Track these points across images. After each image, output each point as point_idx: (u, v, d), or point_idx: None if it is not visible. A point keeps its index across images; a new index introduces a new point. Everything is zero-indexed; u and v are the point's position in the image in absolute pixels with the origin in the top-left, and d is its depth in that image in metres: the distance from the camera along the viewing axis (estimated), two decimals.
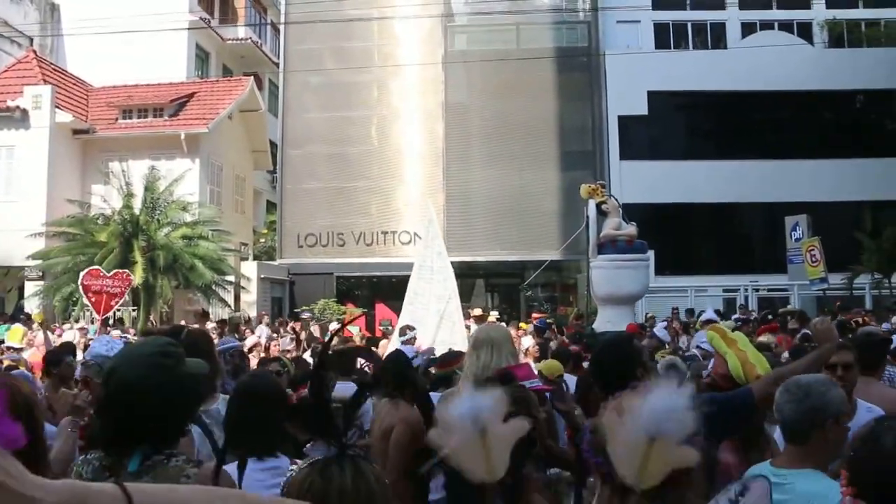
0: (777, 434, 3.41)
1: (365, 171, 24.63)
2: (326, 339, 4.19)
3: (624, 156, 24.55)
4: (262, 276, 23.12)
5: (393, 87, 25.24)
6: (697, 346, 6.88)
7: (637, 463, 1.35)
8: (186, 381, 2.04)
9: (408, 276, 10.85)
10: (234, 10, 31.35)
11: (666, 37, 27.90)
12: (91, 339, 10.08)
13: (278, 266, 24.76)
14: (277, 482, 2.31)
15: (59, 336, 12.43)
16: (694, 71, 24.48)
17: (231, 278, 20.40)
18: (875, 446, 1.59)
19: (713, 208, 24.12)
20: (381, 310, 21.86)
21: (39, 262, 18.38)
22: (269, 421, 2.72)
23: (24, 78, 21.06)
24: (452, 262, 10.62)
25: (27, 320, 14.22)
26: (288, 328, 16.50)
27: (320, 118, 25.11)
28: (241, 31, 30.88)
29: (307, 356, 9.61)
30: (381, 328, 17.31)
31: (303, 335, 14.76)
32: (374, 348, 9.96)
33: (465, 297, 13.48)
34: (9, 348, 10.02)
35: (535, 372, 4.18)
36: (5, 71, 22.00)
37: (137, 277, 16.26)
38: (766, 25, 27.56)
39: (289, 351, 11.45)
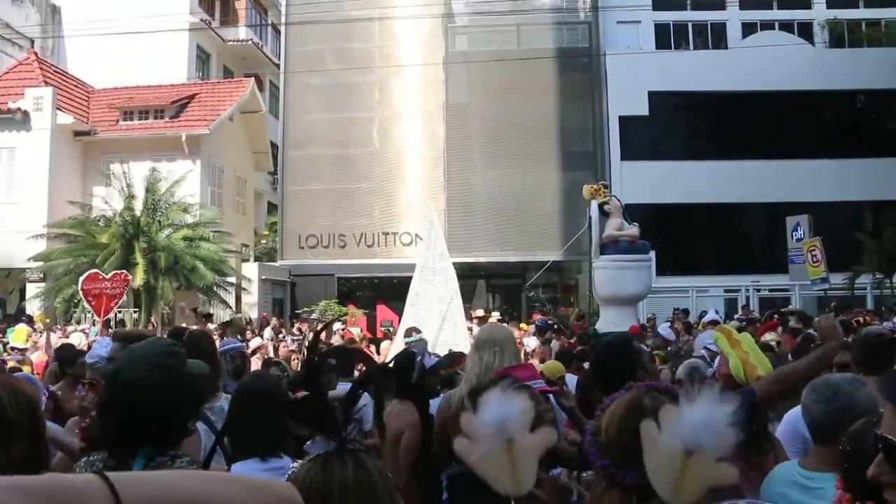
0: (778, 432, 3.42)
1: (366, 172, 24.64)
2: (317, 330, 4.18)
3: (625, 156, 24.55)
4: (263, 277, 23.12)
5: (394, 88, 25.24)
6: (704, 347, 6.89)
7: (673, 477, 1.26)
8: (189, 382, 2.04)
9: (409, 278, 10.85)
10: (235, 12, 31.38)
11: (667, 37, 27.90)
12: (94, 341, 10.08)
13: (279, 267, 24.77)
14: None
15: (65, 337, 12.43)
16: (695, 71, 24.47)
17: (232, 280, 20.40)
18: (866, 441, 1.60)
19: (714, 209, 24.11)
20: (383, 311, 21.87)
21: (41, 263, 18.38)
22: (271, 421, 2.72)
23: (26, 80, 21.07)
24: (454, 263, 10.61)
25: (29, 322, 14.23)
26: (295, 329, 16.50)
27: (321, 119, 25.12)
28: (242, 33, 30.91)
29: None
30: (383, 329, 17.33)
31: (310, 336, 14.71)
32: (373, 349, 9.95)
33: (467, 298, 13.47)
34: (13, 349, 10.04)
35: (539, 373, 4.18)
36: (6, 73, 22.03)
37: (138, 279, 16.27)
38: (767, 25, 27.55)
39: (294, 351, 11.42)
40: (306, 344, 13.04)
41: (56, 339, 11.48)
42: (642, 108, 24.56)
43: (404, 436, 3.85)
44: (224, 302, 19.64)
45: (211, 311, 16.82)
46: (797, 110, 24.60)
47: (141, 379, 1.95)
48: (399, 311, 11.97)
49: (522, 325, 15.32)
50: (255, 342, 11.18)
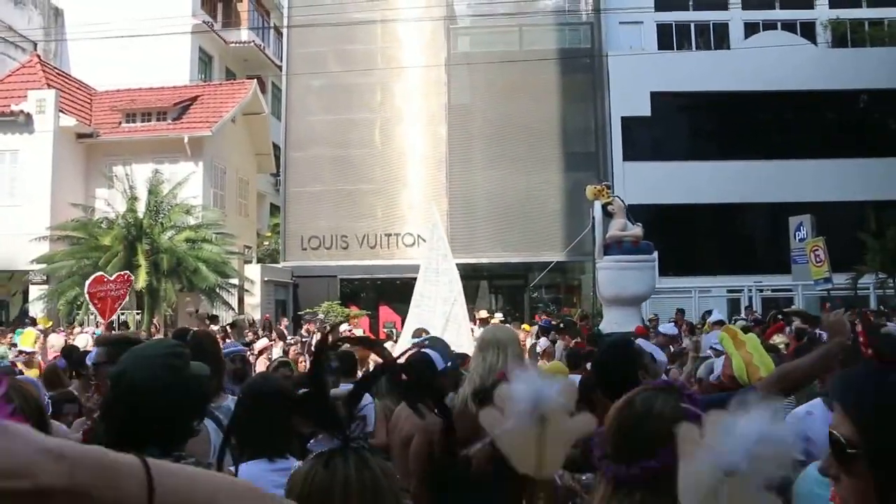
0: None
1: (368, 174, 24.65)
2: (326, 330, 4.16)
3: (627, 157, 24.53)
4: (266, 278, 23.14)
5: (396, 90, 25.25)
6: (711, 347, 6.87)
7: (705, 500, 1.04)
8: (193, 383, 2.04)
9: (412, 279, 10.86)
10: (237, 14, 31.43)
11: (669, 37, 27.90)
12: None
13: (282, 269, 24.77)
14: (285, 482, 2.31)
15: (71, 339, 12.46)
16: (697, 71, 24.45)
17: (235, 281, 20.41)
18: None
19: (717, 209, 24.07)
20: (385, 312, 21.91)
21: (44, 265, 18.40)
22: (278, 422, 2.72)
23: (29, 82, 21.12)
24: (457, 265, 10.62)
25: (32, 324, 14.25)
26: (304, 330, 16.50)
27: (323, 121, 25.13)
28: (244, 35, 30.95)
29: None
30: (385, 330, 17.35)
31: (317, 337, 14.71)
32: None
33: (470, 299, 13.43)
34: (20, 352, 10.10)
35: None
36: (9, 75, 22.09)
37: (141, 281, 16.28)
38: (769, 25, 27.53)
39: (301, 353, 11.41)
40: (312, 345, 13.05)
41: (59, 341, 11.52)
42: (645, 109, 24.53)
43: (413, 440, 3.82)
44: (227, 304, 19.66)
45: (216, 314, 16.84)
46: (800, 110, 24.56)
47: (145, 380, 1.95)
48: (401, 313, 11.99)
49: (525, 326, 15.30)
50: (260, 343, 11.20)
